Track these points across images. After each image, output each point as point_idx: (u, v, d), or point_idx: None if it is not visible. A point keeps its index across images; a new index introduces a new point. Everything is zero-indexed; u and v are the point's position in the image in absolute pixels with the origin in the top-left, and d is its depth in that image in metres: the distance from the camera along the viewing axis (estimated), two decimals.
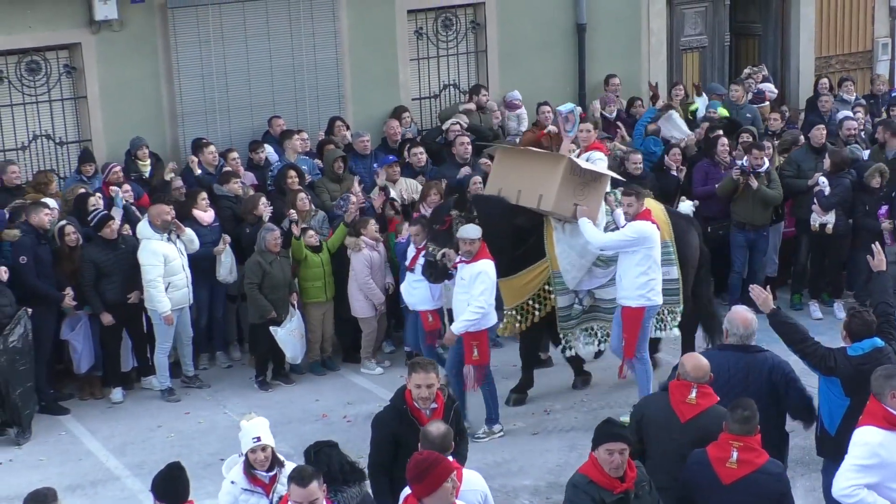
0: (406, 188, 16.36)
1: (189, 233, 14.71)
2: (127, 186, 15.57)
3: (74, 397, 14.93)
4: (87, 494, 12.42)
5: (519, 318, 13.53)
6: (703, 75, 21.88)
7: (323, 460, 8.43)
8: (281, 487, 8.62)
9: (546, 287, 13.40)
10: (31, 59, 17.05)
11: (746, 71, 20.95)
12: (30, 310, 13.70)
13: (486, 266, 12.61)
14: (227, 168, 16.39)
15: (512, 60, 19.87)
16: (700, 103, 19.43)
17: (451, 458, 8.28)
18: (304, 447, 8.77)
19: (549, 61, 20.17)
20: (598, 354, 14.41)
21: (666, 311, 13.61)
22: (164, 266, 14.38)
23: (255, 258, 14.77)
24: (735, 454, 8.45)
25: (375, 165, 16.98)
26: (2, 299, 13.46)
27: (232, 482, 8.86)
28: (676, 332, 13.98)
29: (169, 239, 14.49)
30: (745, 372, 9.55)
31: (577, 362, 14.32)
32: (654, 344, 14.31)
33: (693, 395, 8.96)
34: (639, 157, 16.68)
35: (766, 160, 16.29)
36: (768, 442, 8.74)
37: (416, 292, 13.96)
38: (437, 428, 8.51)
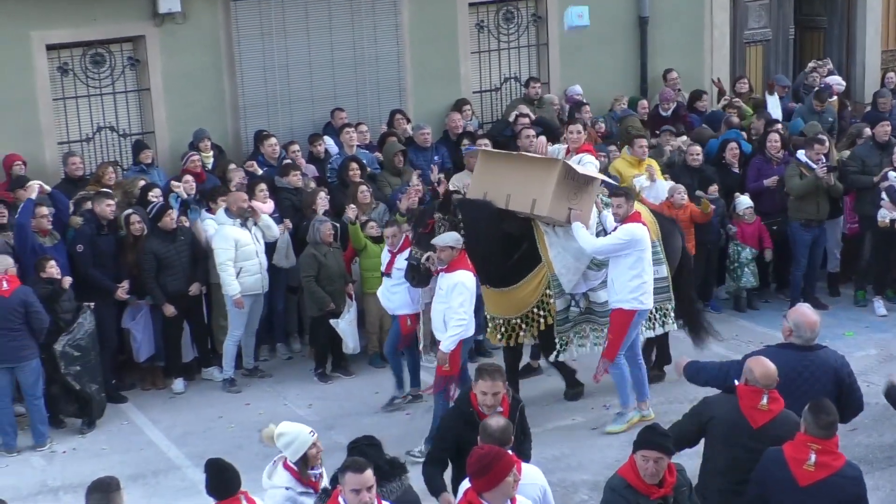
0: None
1: (266, 219, 14.87)
2: (188, 177, 15.65)
3: (136, 387, 15.08)
4: (148, 484, 12.50)
5: (524, 326, 13.15)
6: (766, 69, 21.68)
7: (362, 452, 8.44)
8: None
9: (547, 292, 13.00)
10: (96, 51, 17.17)
11: (811, 65, 20.72)
12: (91, 304, 13.83)
13: (464, 277, 12.17)
14: (288, 160, 16.42)
15: (573, 54, 19.76)
16: (771, 102, 19.24)
17: (510, 452, 8.28)
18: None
19: (611, 55, 20.06)
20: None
21: (655, 310, 13.38)
22: (237, 251, 14.52)
23: (310, 251, 14.82)
24: (813, 457, 8.30)
25: (436, 157, 16.98)
26: (63, 302, 13.64)
27: (287, 488, 8.79)
28: (672, 326, 13.83)
29: (244, 225, 14.59)
30: (810, 371, 9.40)
31: (567, 371, 13.93)
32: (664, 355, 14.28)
33: (765, 401, 8.84)
34: (698, 148, 16.78)
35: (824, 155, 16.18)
36: None
37: (395, 297, 13.62)
38: (496, 422, 8.50)
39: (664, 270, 13.39)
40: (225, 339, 15.05)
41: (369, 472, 7.72)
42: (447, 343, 12.13)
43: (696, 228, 15.94)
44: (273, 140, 16.85)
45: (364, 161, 16.48)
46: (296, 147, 16.88)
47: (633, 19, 20.20)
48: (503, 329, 13.22)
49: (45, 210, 14.36)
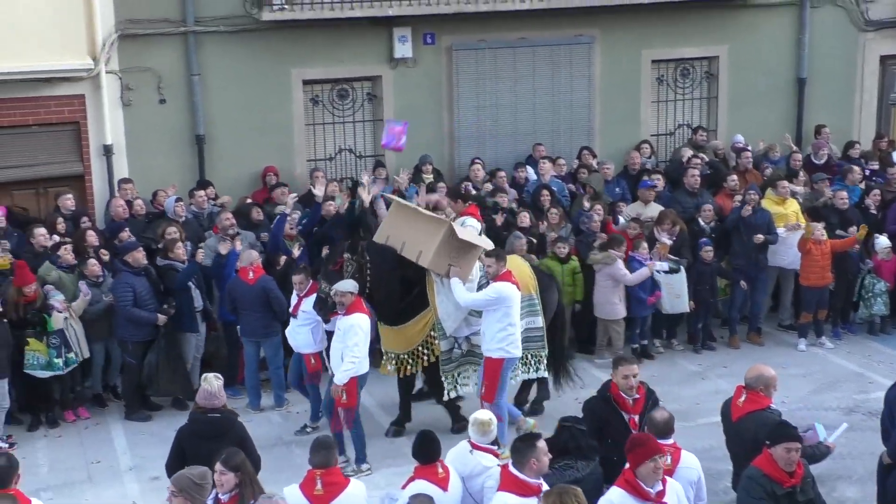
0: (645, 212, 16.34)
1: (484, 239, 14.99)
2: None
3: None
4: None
5: (410, 361, 12.67)
6: None
7: (572, 434, 8.63)
8: None
9: (432, 333, 12.58)
10: (342, 86, 17.75)
11: None
12: None
13: (359, 319, 11.67)
14: (491, 186, 16.62)
15: (739, 106, 19.59)
16: None
17: (671, 441, 8.41)
18: (541, 423, 8.93)
19: (771, 109, 19.79)
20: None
21: (530, 356, 12.84)
22: None
23: None
24: None
25: (617, 189, 17.04)
26: None
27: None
28: (544, 373, 13.14)
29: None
30: None
31: (453, 408, 13.14)
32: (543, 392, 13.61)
33: None
34: (844, 193, 16.48)
35: None
36: None
37: (300, 337, 12.94)
38: (661, 415, 8.63)
39: (539, 321, 12.88)
40: None
41: (543, 442, 7.96)
42: (340, 376, 11.61)
43: (839, 261, 15.70)
44: (478, 165, 17.14)
45: (555, 188, 16.65)
46: (502, 173, 17.14)
47: (793, 78, 19.89)
48: (394, 362, 12.79)
49: (294, 218, 14.92)
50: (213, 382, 9.56)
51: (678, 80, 19.57)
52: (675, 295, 15.42)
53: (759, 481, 8.12)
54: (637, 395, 9.54)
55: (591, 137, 18.82)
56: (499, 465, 8.51)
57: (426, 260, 12.18)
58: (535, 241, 15.29)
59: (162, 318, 13.61)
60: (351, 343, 11.59)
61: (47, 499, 10.99)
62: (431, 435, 8.64)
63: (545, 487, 7.94)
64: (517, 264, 12.81)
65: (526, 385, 13.55)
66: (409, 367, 12.72)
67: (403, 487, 8.38)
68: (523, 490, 7.85)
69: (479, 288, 12.30)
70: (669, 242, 15.33)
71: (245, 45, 16.87)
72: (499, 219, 15.13)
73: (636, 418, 9.48)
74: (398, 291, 12.55)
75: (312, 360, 12.91)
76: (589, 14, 18.37)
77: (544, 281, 13.28)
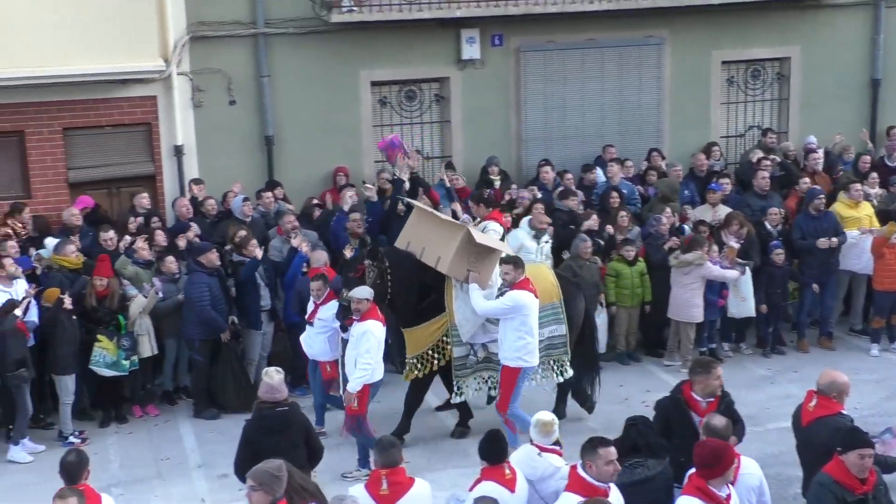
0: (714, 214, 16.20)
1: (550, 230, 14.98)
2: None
3: None
4: (428, 445, 12.81)
5: (419, 365, 12.61)
6: None
7: (639, 431, 8.55)
8: None
9: (445, 338, 12.50)
10: (410, 88, 17.80)
11: None
12: None
13: (373, 326, 11.58)
14: (562, 187, 16.58)
15: (810, 108, 19.33)
16: None
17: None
18: (609, 426, 8.87)
19: (844, 111, 19.49)
20: (490, 400, 13.04)
21: (552, 361, 12.76)
22: (518, 252, 14.61)
23: (569, 262, 14.94)
24: None
25: (686, 192, 16.89)
26: None
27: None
28: (570, 374, 12.97)
29: (536, 238, 14.58)
30: None
31: (463, 413, 13.11)
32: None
33: None
34: None
35: None
36: None
37: (316, 345, 12.82)
38: (719, 420, 8.50)
39: (563, 329, 12.75)
40: None
41: (613, 448, 7.88)
42: (353, 384, 11.58)
43: None
44: (548, 168, 17.07)
45: (624, 191, 16.54)
46: (569, 175, 17.08)
47: (867, 80, 19.60)
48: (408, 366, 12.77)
49: (357, 216, 14.94)
50: (273, 376, 9.63)
51: (749, 82, 19.35)
52: (742, 298, 15.27)
53: (830, 488, 7.99)
54: (711, 399, 9.43)
55: (660, 139, 18.67)
56: (568, 465, 8.45)
57: (445, 265, 12.19)
58: (601, 243, 15.22)
59: (225, 336, 13.84)
60: (363, 349, 11.53)
61: (118, 494, 11.13)
62: (499, 435, 8.56)
63: (614, 492, 7.90)
64: (540, 273, 12.71)
65: (562, 397, 13.33)
66: (415, 371, 12.65)
67: (471, 489, 8.35)
68: (588, 492, 7.79)
69: (499, 294, 12.19)
70: (737, 246, 15.16)
71: (314, 46, 16.97)
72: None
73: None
74: (417, 296, 12.56)
75: (328, 368, 12.78)
76: (658, 15, 18.24)
77: (569, 290, 13.08)
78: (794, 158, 18.18)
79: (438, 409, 13.62)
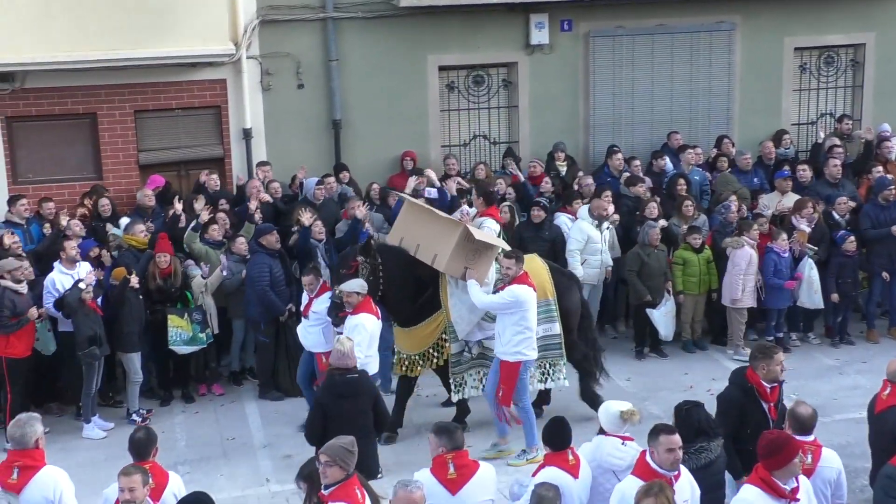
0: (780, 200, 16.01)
1: (615, 219, 15.05)
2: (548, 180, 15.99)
3: None
4: (492, 430, 12.63)
5: (422, 362, 12.52)
6: None
7: (693, 416, 8.49)
8: None
9: (443, 336, 12.37)
10: (477, 73, 17.75)
11: None
12: None
13: (365, 319, 11.53)
14: (627, 173, 16.50)
15: (885, 96, 18.97)
16: None
17: (812, 438, 8.21)
18: (671, 413, 8.79)
19: None
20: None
21: (548, 365, 12.59)
22: (586, 244, 14.78)
23: (636, 250, 14.89)
24: None
25: (755, 180, 16.72)
26: None
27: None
28: (565, 383, 12.82)
29: (598, 226, 14.81)
30: None
31: (463, 409, 12.88)
32: (545, 395, 13.20)
33: None
34: None
35: None
36: None
37: (311, 336, 12.63)
38: (805, 409, 8.41)
39: (557, 328, 12.56)
40: None
41: (677, 435, 7.84)
42: None
43: None
44: (619, 155, 16.95)
45: (697, 178, 16.38)
46: (637, 162, 16.96)
47: None
48: (406, 363, 12.61)
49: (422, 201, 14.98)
50: (345, 343, 10.05)
51: (822, 69, 19.04)
52: (815, 289, 15.08)
53: None
54: (774, 385, 9.37)
55: (730, 126, 18.45)
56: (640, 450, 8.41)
57: (442, 263, 12.04)
58: (679, 228, 15.20)
59: (283, 317, 13.96)
60: (355, 342, 11.29)
61: (184, 472, 11.27)
62: (563, 421, 8.55)
63: (685, 478, 7.86)
64: (535, 267, 12.51)
65: (542, 395, 13.18)
66: (419, 368, 12.59)
67: (534, 475, 8.35)
68: (650, 478, 7.73)
69: (495, 290, 12.06)
70: (808, 230, 14.99)
71: (383, 31, 16.99)
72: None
73: (774, 406, 9.32)
74: (412, 293, 12.42)
75: (325, 359, 12.27)
76: (730, 0, 18.00)
77: (563, 283, 12.88)
78: (868, 146, 17.87)
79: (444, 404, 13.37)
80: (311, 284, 12.72)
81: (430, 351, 12.50)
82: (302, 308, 12.90)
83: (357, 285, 11.70)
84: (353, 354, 10.07)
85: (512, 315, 11.65)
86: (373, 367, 11.67)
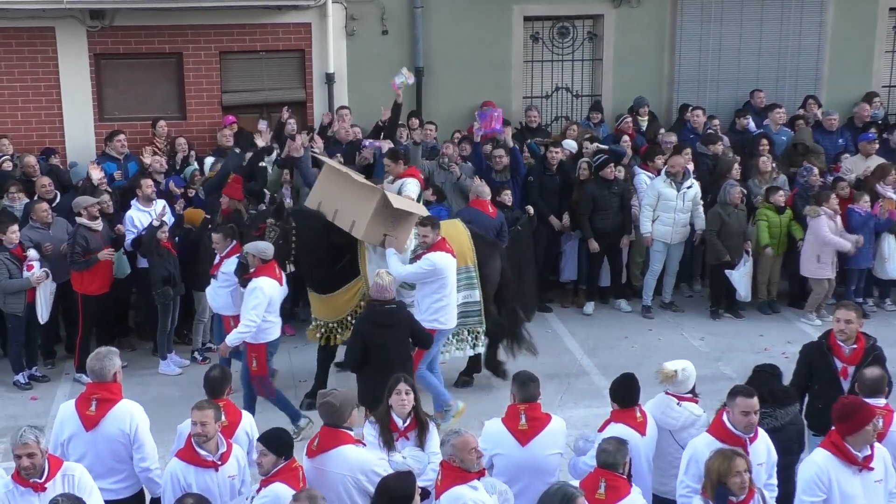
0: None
1: (694, 185, 14.83)
2: (626, 137, 15.84)
3: (556, 303, 15.50)
4: (562, 383, 12.88)
5: (339, 330, 12.08)
6: None
7: (762, 380, 8.42)
8: None
9: (362, 303, 11.81)
10: (562, 24, 17.59)
11: None
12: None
13: (263, 283, 11.02)
14: (710, 131, 16.28)
15: None
16: None
17: (883, 402, 8.10)
18: (745, 373, 8.74)
19: None
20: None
21: (467, 332, 12.25)
22: (658, 202, 14.65)
23: (717, 209, 14.71)
24: None
25: (840, 141, 16.40)
26: None
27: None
28: (482, 349, 12.53)
29: (673, 185, 14.63)
30: None
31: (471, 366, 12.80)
32: (475, 363, 12.90)
33: None
34: None
35: None
36: None
37: (219, 298, 12.13)
38: (872, 372, 8.32)
39: (477, 295, 12.19)
40: (638, 274, 15.29)
41: (755, 399, 7.78)
42: (231, 338, 11.15)
43: None
44: (699, 112, 16.72)
45: (784, 138, 16.13)
46: (716, 122, 16.70)
47: None
48: (322, 330, 12.24)
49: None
50: (384, 277, 10.40)
51: None
52: (885, 259, 14.90)
53: None
54: (855, 346, 9.24)
55: (819, 86, 18.10)
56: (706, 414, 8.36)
57: (360, 231, 11.66)
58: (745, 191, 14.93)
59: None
60: (249, 306, 11.00)
61: (257, 412, 11.39)
62: (632, 378, 8.46)
63: (762, 441, 7.83)
64: (456, 233, 12.16)
65: (473, 362, 12.95)
66: (337, 337, 12.22)
67: (600, 430, 8.34)
68: (724, 437, 7.72)
69: (413, 258, 11.64)
70: (895, 197, 14.68)
71: None
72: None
73: (851, 369, 9.19)
74: (327, 259, 12.01)
75: (232, 323, 11.85)
76: None
77: (484, 251, 12.44)
78: None
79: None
80: (220, 244, 12.16)
81: (349, 319, 12.08)
82: (211, 268, 12.38)
83: (254, 248, 11.24)
84: (392, 288, 10.40)
85: (431, 283, 11.34)
86: (274, 332, 11.37)
